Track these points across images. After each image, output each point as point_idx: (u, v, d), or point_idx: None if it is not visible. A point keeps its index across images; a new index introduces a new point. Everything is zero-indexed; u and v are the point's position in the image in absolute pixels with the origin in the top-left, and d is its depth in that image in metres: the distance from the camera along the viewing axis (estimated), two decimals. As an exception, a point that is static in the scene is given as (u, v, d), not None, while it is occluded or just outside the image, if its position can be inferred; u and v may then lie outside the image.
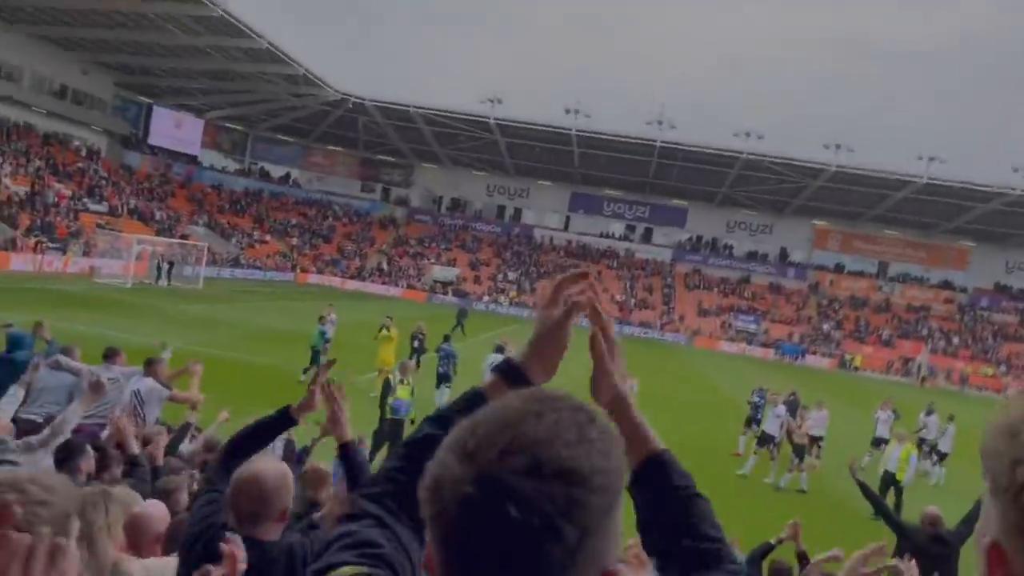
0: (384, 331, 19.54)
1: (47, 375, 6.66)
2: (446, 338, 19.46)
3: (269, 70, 51.95)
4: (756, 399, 18.49)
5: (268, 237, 62.44)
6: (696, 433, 18.94)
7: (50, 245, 38.67)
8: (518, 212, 73.45)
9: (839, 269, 68.77)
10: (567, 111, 57.85)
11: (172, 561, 2.82)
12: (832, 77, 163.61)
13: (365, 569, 1.14)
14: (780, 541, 5.58)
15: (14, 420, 5.91)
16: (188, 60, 51.51)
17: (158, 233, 47.70)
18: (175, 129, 62.11)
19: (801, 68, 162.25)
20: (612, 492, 0.85)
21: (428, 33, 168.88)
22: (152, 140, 60.82)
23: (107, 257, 40.70)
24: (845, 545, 5.18)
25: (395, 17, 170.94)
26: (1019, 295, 64.77)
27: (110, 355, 7.48)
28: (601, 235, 71.64)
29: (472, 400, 1.32)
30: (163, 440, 5.57)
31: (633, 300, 63.90)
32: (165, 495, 3.86)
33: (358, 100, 58.93)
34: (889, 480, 14.34)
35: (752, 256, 69.83)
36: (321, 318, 20.71)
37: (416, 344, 21.87)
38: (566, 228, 72.36)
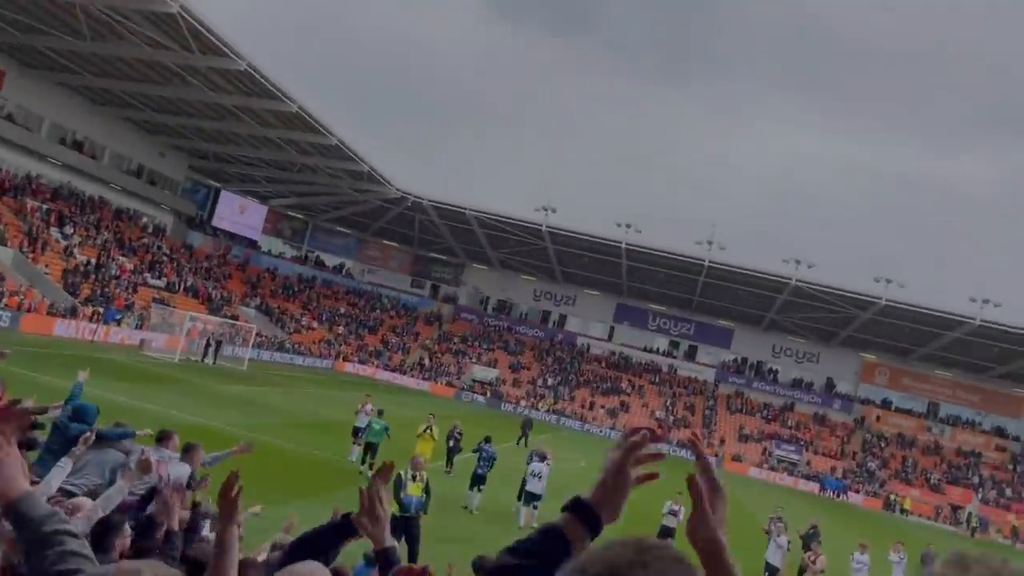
0: (428, 431, 19.77)
1: (97, 451, 6.81)
2: (487, 440, 19.21)
3: (335, 165, 54.04)
4: (771, 528, 18.06)
5: (315, 324, 63.46)
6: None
7: (111, 318, 39.84)
8: (563, 319, 73.67)
9: (887, 405, 66.88)
10: (619, 225, 58.71)
11: None
12: (884, 209, 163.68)
13: None
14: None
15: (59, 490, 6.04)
16: (259, 150, 53.98)
17: (210, 312, 48.89)
18: (239, 213, 64.49)
19: (853, 198, 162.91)
20: None
21: (488, 136, 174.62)
22: (216, 222, 63.11)
23: (158, 331, 41.72)
24: None
25: (456, 120, 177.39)
26: (1077, 449, 61.98)
27: (163, 438, 7.57)
28: (645, 349, 71.22)
29: (549, 535, 1.36)
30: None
31: (673, 418, 62.78)
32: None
33: (417, 199, 60.71)
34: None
35: (797, 384, 68.48)
36: (359, 411, 20.84)
37: (452, 444, 21.83)
38: (610, 339, 72.17)
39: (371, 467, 18.70)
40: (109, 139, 51.73)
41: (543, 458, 18.36)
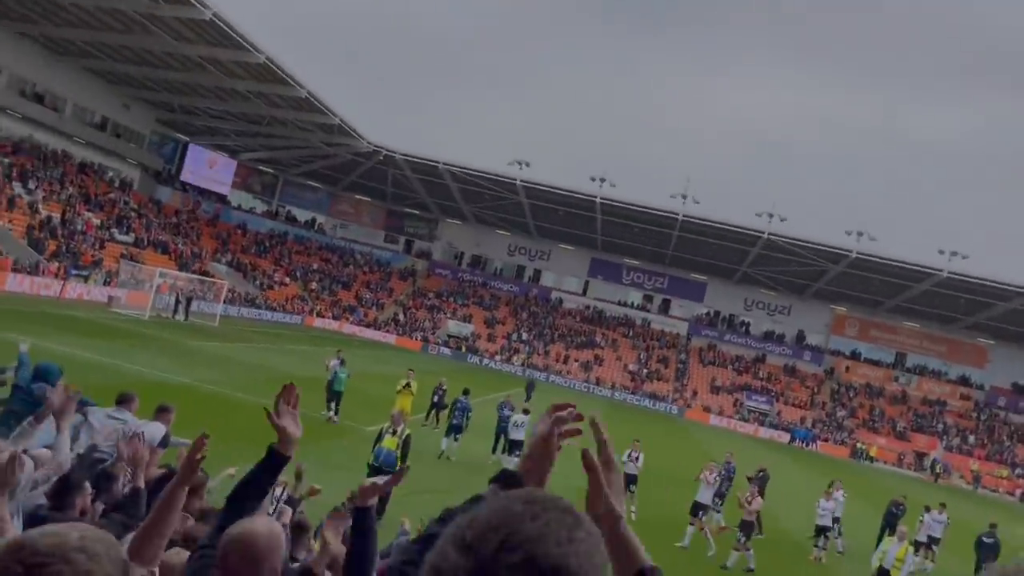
0: (407, 386, 20.75)
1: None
2: (465, 392, 20.36)
3: (305, 118, 53.03)
4: (724, 472, 18.70)
5: (288, 280, 62.89)
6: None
7: (73, 272, 39.12)
8: (537, 273, 73.70)
9: (856, 356, 68.06)
10: (592, 179, 58.48)
11: None
12: (858, 163, 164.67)
13: None
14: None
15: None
16: (227, 102, 52.78)
17: (180, 268, 48.19)
18: (208, 168, 63.25)
19: (827, 152, 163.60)
20: None
21: (461, 89, 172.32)
22: (184, 177, 61.90)
23: (127, 288, 41.05)
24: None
25: (432, 76, 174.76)
26: (1038, 397, 63.62)
27: (123, 400, 7.36)
28: (619, 303, 71.59)
29: (476, 504, 1.39)
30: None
31: (646, 370, 63.44)
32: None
33: (389, 153, 59.89)
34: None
35: (769, 336, 69.35)
36: (332, 361, 21.08)
37: (436, 399, 22.79)
38: (584, 293, 72.42)
39: (336, 413, 20.08)
40: (71, 91, 50.22)
41: (525, 412, 19.39)
